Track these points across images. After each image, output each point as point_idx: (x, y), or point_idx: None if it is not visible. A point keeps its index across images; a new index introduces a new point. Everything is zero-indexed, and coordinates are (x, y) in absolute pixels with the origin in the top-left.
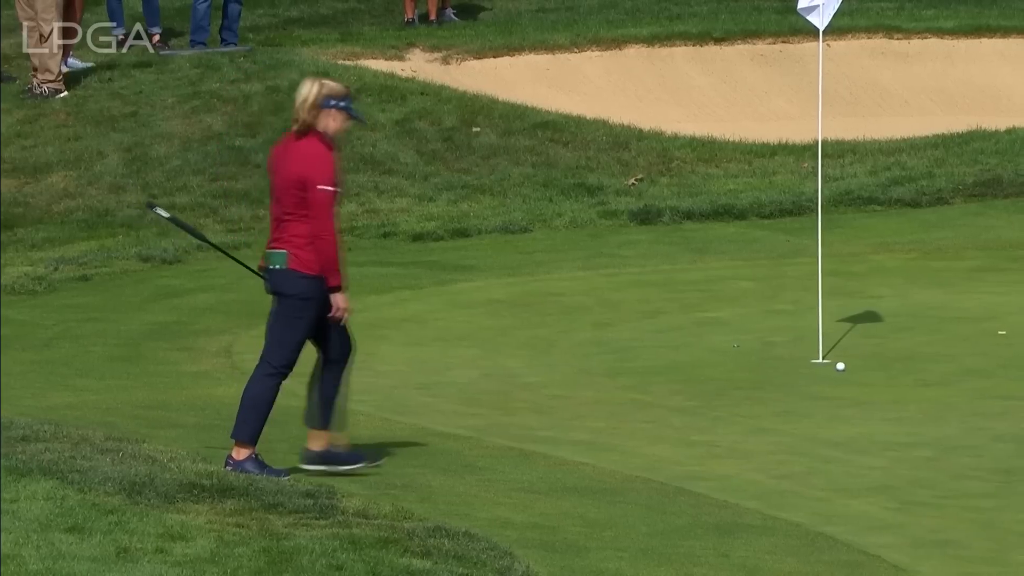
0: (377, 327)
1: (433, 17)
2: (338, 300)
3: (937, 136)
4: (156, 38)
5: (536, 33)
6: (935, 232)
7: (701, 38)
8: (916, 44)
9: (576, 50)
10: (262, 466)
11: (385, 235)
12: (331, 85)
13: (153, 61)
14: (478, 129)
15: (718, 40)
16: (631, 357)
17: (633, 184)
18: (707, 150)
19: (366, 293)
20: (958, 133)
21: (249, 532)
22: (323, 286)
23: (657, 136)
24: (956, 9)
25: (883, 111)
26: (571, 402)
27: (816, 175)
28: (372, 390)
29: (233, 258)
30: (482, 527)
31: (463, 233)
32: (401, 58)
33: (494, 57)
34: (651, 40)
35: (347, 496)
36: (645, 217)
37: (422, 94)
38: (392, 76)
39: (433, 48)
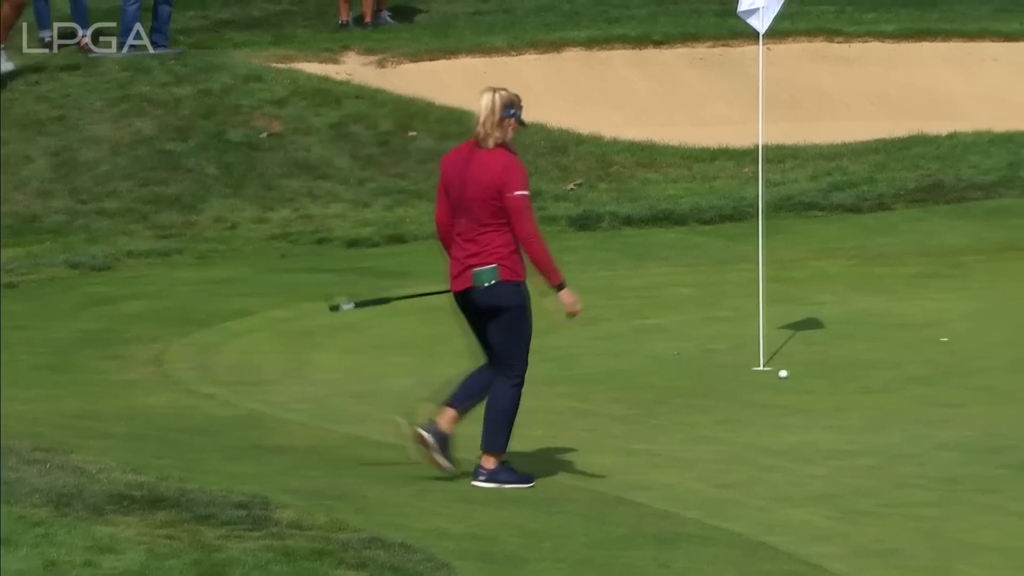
0: (312, 335)
1: (368, 19)
2: (564, 297)
3: (878, 141)
4: (85, 40)
5: (473, 36)
6: (877, 238)
7: (640, 41)
8: (857, 48)
9: (513, 53)
10: (513, 473)
11: (319, 241)
12: (507, 95)
13: (81, 64)
14: (414, 133)
15: (657, 43)
16: (570, 365)
17: (572, 189)
18: (647, 155)
19: (300, 300)
20: (899, 138)
21: (180, 544)
22: (525, 290)
23: (596, 140)
24: (897, 13)
25: (824, 115)
26: None
27: (757, 180)
28: (307, 399)
29: (426, 294)
30: (419, 538)
31: (399, 239)
32: (336, 61)
33: (430, 60)
34: (589, 43)
35: (281, 507)
36: (584, 223)
37: (357, 98)
38: (326, 79)
39: (368, 51)
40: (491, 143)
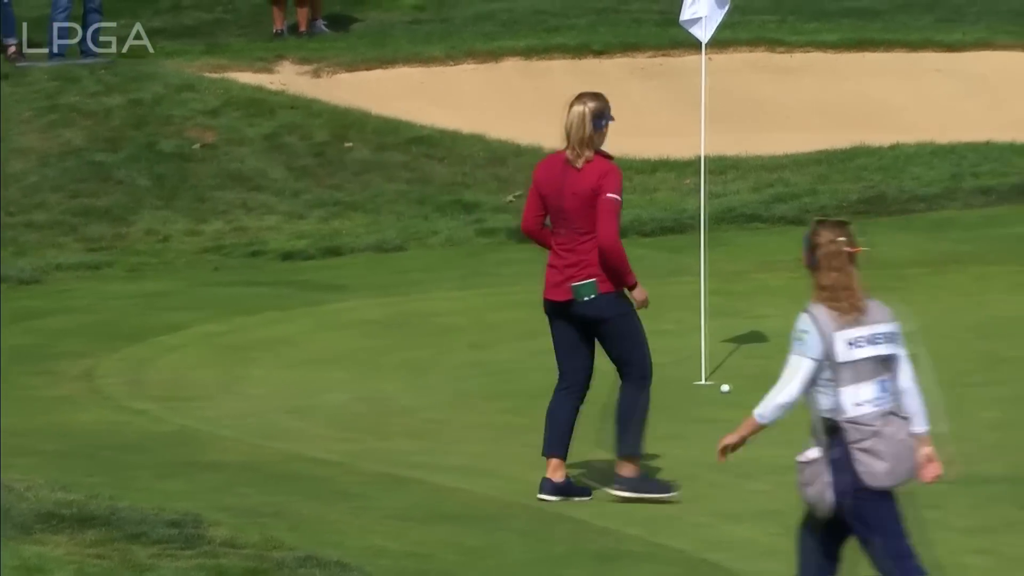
0: (246, 349)
1: (303, 28)
2: (638, 295)
3: (820, 152)
4: (12, 49)
5: (410, 45)
6: None
7: (580, 51)
8: (799, 58)
9: (451, 63)
10: (655, 482)
11: (253, 254)
12: (596, 106)
13: (9, 73)
14: (350, 144)
15: (597, 53)
16: (510, 379)
17: (511, 201)
18: None
19: (233, 314)
20: (841, 149)
21: (111, 564)
22: (624, 295)
23: (536, 151)
24: (839, 23)
25: (766, 126)
26: (448, 426)
27: (699, 192)
28: (241, 414)
29: None
30: (355, 556)
31: (335, 252)
32: (270, 71)
33: (367, 70)
34: (528, 53)
35: (214, 525)
36: (523, 235)
37: (292, 108)
38: (261, 89)
39: (303, 60)
40: (582, 163)
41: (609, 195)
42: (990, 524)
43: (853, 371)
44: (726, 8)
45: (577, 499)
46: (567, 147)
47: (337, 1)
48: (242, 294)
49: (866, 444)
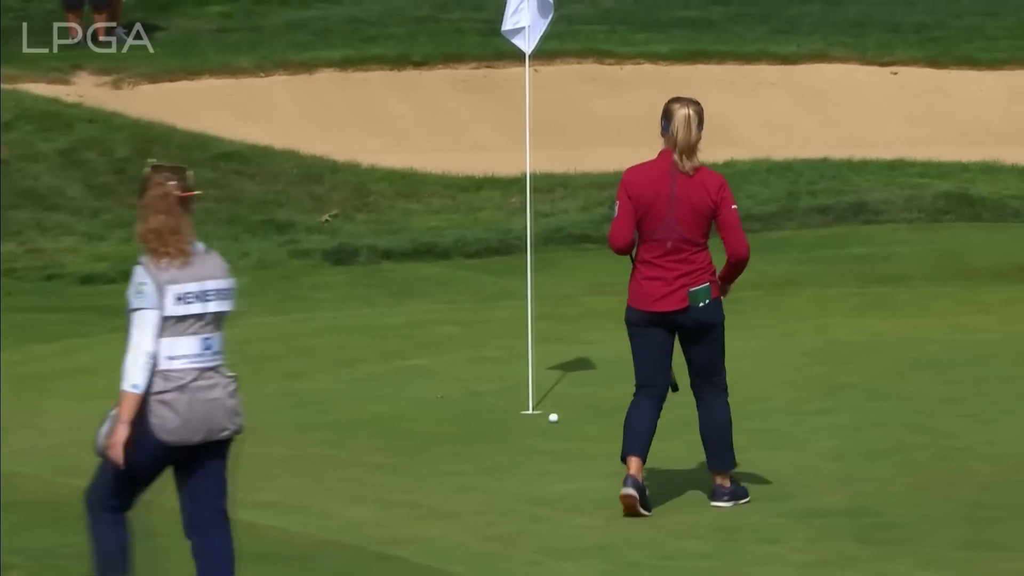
0: (42, 380)
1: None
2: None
3: None
4: None
5: (217, 55)
6: None
7: (399, 62)
8: (629, 70)
9: (262, 74)
10: (743, 487)
11: (49, 277)
12: (699, 108)
13: None
14: (154, 160)
15: (417, 64)
16: (326, 410)
17: (327, 221)
18: (407, 183)
19: (28, 342)
20: None
21: None
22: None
23: (352, 168)
24: (670, 34)
25: (595, 142)
26: (259, 459)
27: (525, 211)
28: (36, 449)
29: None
30: None
31: None
32: (66, 81)
33: (171, 81)
34: (344, 64)
35: (8, 568)
36: (340, 257)
37: (90, 121)
38: (56, 101)
39: (102, 71)
40: (692, 170)
41: (733, 207)
42: (829, 558)
43: (177, 325)
44: (549, 18)
45: (645, 511)
46: (675, 153)
47: (138, 7)
48: (37, 320)
49: (167, 397)
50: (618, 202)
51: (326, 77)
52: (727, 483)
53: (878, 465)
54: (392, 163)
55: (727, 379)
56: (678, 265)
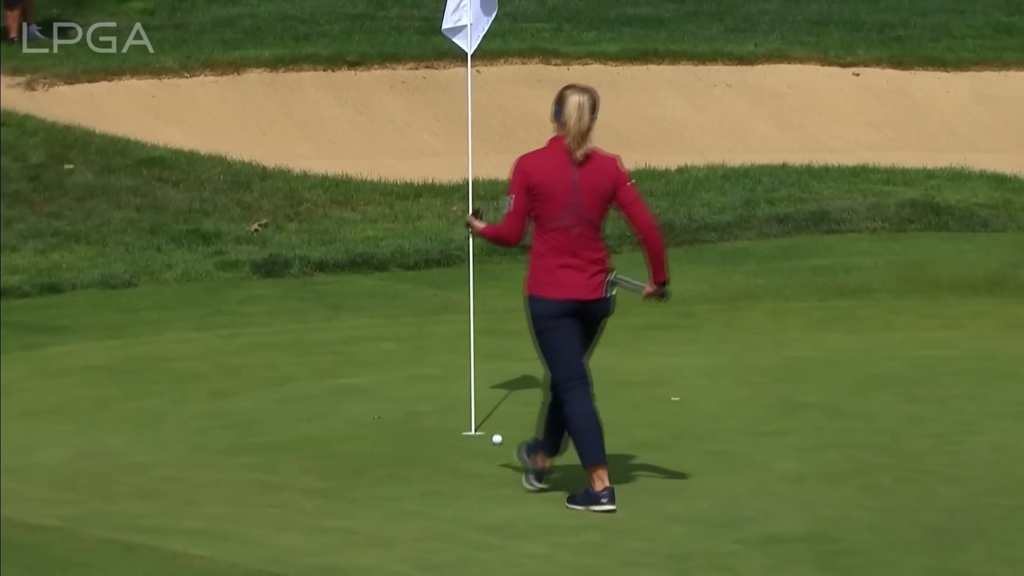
0: None
1: (14, 34)
2: (667, 293)
3: None
4: None
5: (139, 54)
6: None
7: (333, 62)
8: (576, 71)
9: (187, 75)
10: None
11: None
12: (594, 96)
13: None
14: (71, 166)
15: (352, 64)
16: (255, 431)
17: (256, 230)
18: (342, 191)
19: None
20: None
21: None
22: None
23: (283, 174)
24: (620, 32)
25: (541, 146)
26: (184, 485)
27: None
28: None
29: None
30: None
31: (54, 288)
32: None
33: (89, 82)
34: (274, 64)
35: None
36: (271, 268)
37: (2, 125)
38: None
39: (15, 71)
40: (584, 155)
41: (631, 183)
42: None
43: None
44: (492, 15)
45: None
46: (569, 139)
47: (53, 3)
48: None
49: None
50: (514, 195)
51: (255, 78)
52: (605, 479)
53: (839, 488)
54: (326, 169)
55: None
56: (586, 252)
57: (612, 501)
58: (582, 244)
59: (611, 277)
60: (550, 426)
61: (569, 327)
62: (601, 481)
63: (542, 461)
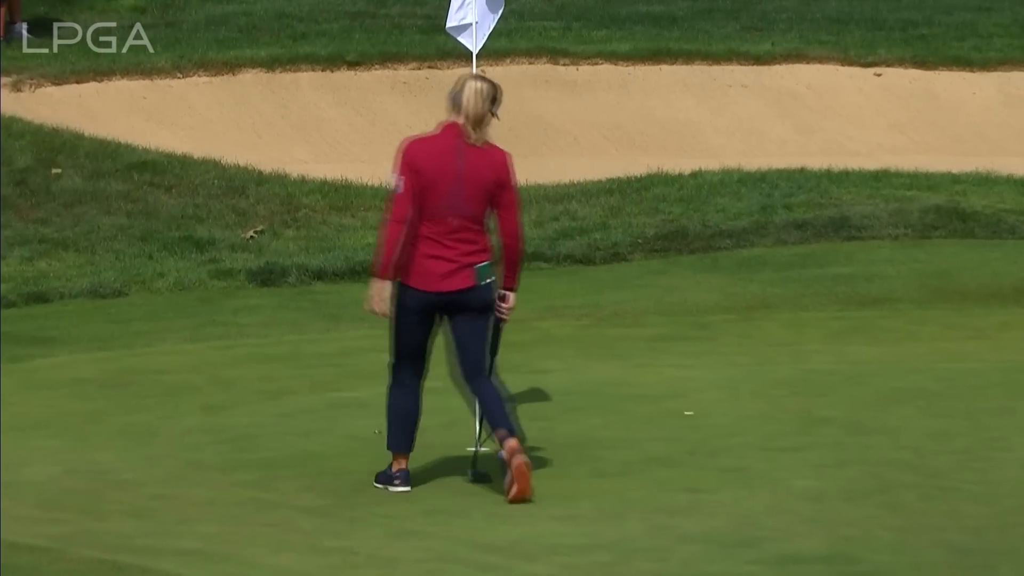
0: None
1: (0, 33)
2: (512, 300)
3: (612, 180)
4: None
5: (129, 54)
6: (611, 294)
7: (332, 62)
8: (586, 71)
9: (180, 75)
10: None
11: None
12: (491, 86)
13: None
14: (59, 170)
15: (352, 65)
16: (250, 447)
17: (251, 238)
18: (341, 196)
19: None
20: (636, 177)
21: None
22: None
23: (280, 179)
24: (631, 31)
25: (549, 150)
26: (177, 503)
27: None
28: None
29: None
30: None
31: (41, 298)
32: None
33: (78, 83)
34: (271, 64)
35: None
36: (267, 277)
37: None
38: None
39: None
40: (480, 139)
41: (515, 190)
42: None
43: None
44: (499, 13)
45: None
46: (464, 124)
47: (41, 1)
48: None
49: None
50: (403, 177)
51: (251, 78)
52: (403, 466)
53: (860, 507)
54: (324, 173)
55: None
56: (460, 244)
57: (406, 483)
58: (459, 236)
59: (480, 265)
60: (483, 412)
61: (423, 323)
62: (398, 464)
63: (505, 437)
